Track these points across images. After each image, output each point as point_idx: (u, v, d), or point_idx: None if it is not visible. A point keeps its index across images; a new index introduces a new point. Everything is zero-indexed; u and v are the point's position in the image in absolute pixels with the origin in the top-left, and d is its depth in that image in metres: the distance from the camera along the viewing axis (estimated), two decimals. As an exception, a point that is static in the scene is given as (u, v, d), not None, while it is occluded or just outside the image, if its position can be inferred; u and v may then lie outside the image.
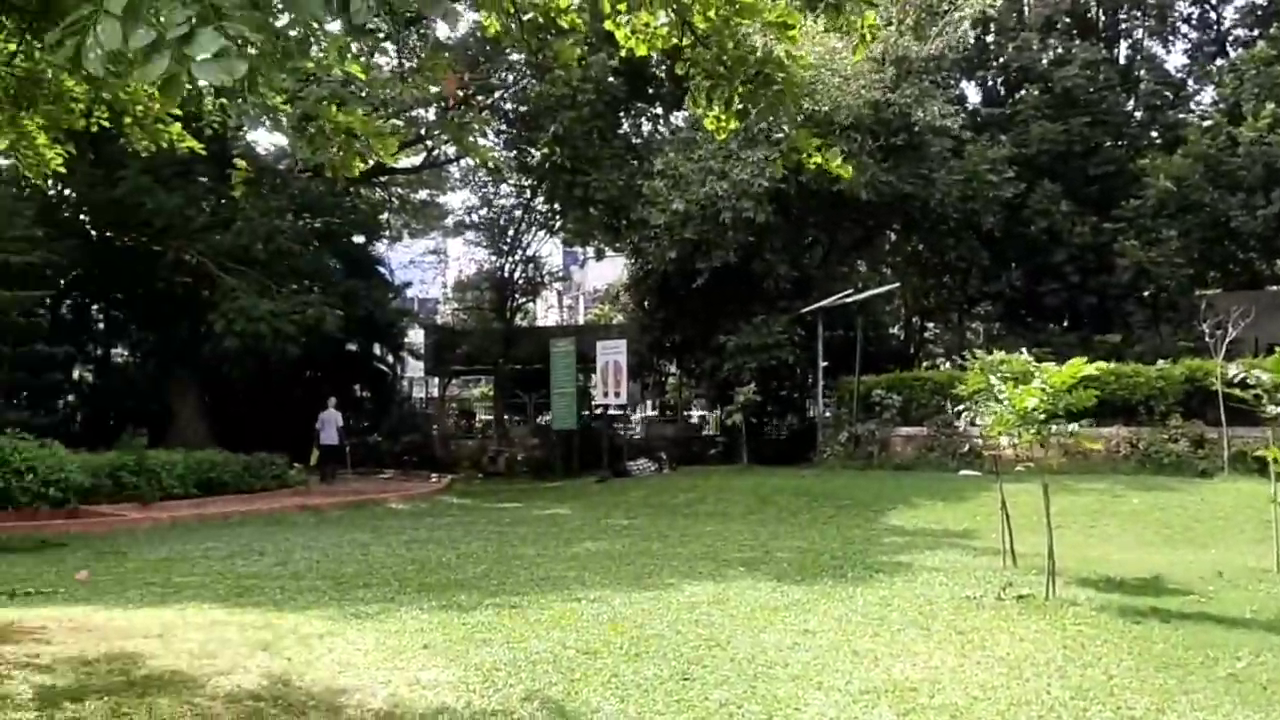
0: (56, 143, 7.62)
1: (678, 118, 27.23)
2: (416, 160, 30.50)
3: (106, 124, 7.14)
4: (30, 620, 6.98)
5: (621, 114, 26.33)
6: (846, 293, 22.56)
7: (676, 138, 24.70)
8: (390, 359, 34.59)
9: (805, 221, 24.91)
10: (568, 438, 26.04)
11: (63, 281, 25.65)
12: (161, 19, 2.30)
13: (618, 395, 24.72)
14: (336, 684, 5.62)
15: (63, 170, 7.68)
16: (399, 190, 34.20)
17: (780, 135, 20.50)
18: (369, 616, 7.60)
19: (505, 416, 31.60)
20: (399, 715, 5.13)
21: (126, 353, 33.70)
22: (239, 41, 2.39)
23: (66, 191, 25.62)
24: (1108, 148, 26.38)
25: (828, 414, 22.91)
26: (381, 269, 34.70)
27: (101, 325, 32.71)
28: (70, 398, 32.59)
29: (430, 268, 44.54)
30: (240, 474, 18.74)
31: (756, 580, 9.42)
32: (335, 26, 4.81)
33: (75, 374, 31.82)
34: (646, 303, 27.70)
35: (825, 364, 22.32)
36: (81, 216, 25.87)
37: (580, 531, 13.83)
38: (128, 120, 7.38)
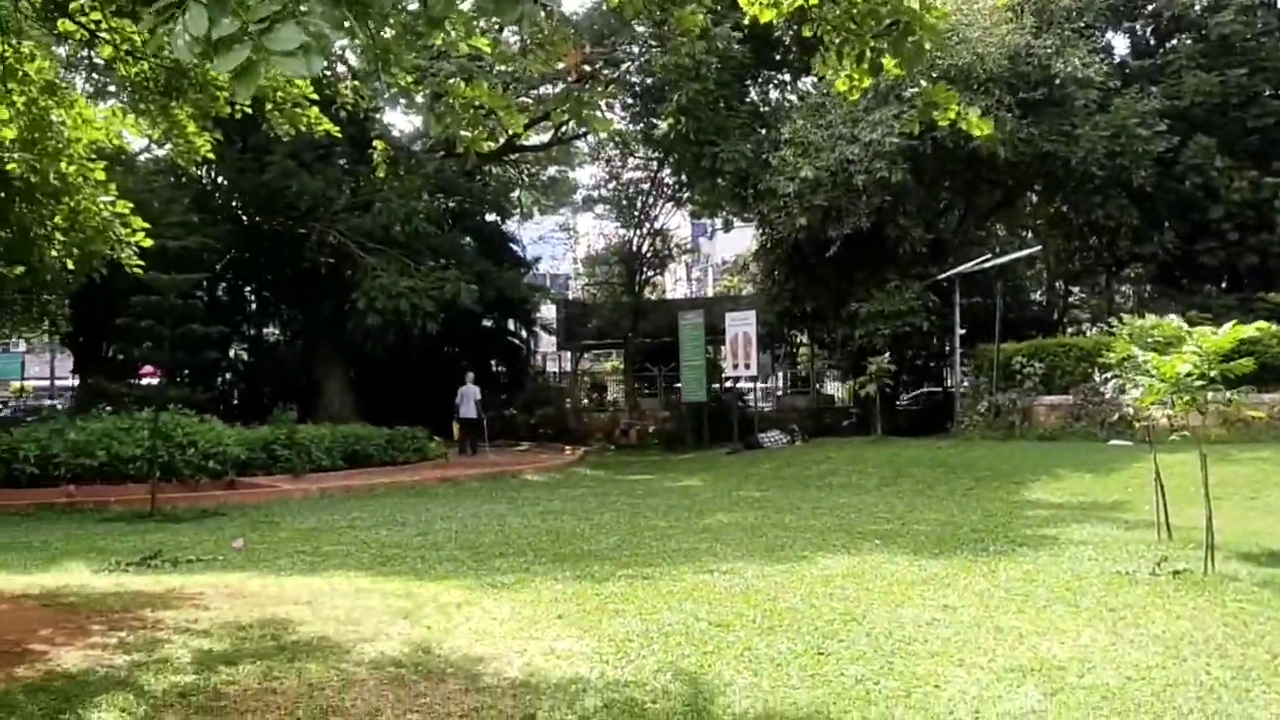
0: (204, 130, 7.95)
1: (805, 83, 26.70)
2: (545, 137, 30.83)
3: (249, 110, 7.40)
4: (190, 587, 7.36)
5: (748, 82, 25.97)
6: (984, 257, 21.78)
7: (805, 104, 24.23)
8: (523, 334, 35.27)
9: (940, 184, 24.13)
10: (698, 410, 26.04)
11: (218, 265, 27.00)
12: (245, 10, 2.33)
13: (748, 367, 24.55)
14: (474, 652, 5.72)
15: (212, 156, 8.02)
16: (529, 167, 34.69)
17: (913, 92, 19.87)
18: (505, 586, 7.73)
19: (636, 389, 31.80)
20: (534, 685, 5.19)
21: (277, 331, 35.35)
22: (319, 38, 2.41)
23: (219, 179, 26.95)
24: (1267, 98, 24.58)
25: (965, 383, 22.22)
26: (513, 246, 35.35)
27: (254, 306, 34.40)
28: (227, 375, 34.47)
29: (560, 243, 45.12)
30: (383, 447, 19.41)
31: (893, 554, 9.19)
32: (466, 4, 4.83)
33: (231, 352, 33.60)
34: (776, 273, 27.38)
35: (962, 331, 21.63)
36: (233, 202, 27.18)
37: (712, 503, 13.80)
38: (268, 106, 7.65)
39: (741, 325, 24.39)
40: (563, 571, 8.48)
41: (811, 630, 6.34)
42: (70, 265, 8.08)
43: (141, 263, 8.34)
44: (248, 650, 5.46)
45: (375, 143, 8.49)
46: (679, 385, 28.06)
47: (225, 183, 26.86)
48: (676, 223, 37.62)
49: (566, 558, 9.26)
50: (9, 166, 7.05)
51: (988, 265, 21.48)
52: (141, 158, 32.03)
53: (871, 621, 6.57)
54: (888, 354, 21.48)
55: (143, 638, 5.59)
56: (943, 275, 21.67)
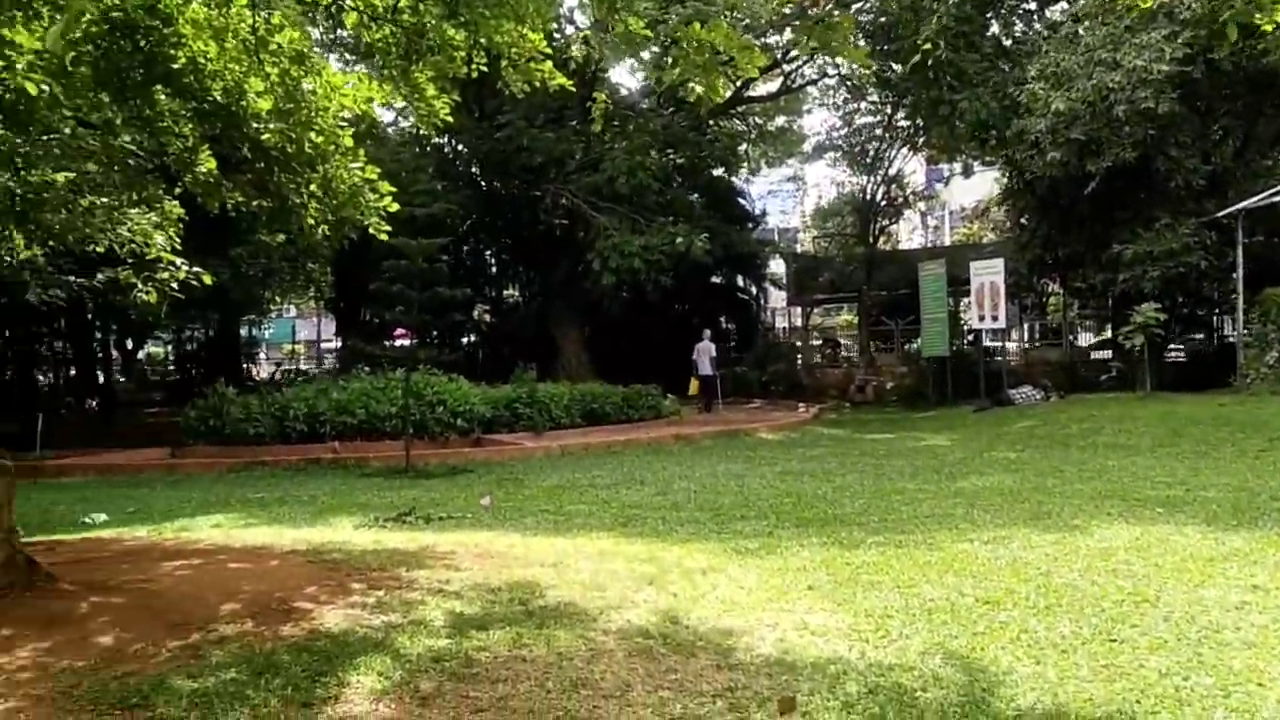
0: (443, 92, 7.97)
1: (1054, 11, 24.57)
2: (773, 86, 30.05)
3: (485, 69, 7.34)
4: (442, 545, 7.49)
5: (989, 15, 24.16)
6: (1274, 190, 19.31)
7: (1055, 36, 22.25)
8: (753, 290, 34.83)
9: (1216, 111, 21.60)
10: (939, 365, 24.80)
11: (460, 230, 28.10)
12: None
13: (995, 318, 23.06)
14: (722, 624, 5.44)
15: (450, 119, 8.04)
16: (756, 119, 33.98)
17: (1186, 16, 17.79)
18: (750, 552, 7.42)
19: (871, 344, 30.72)
20: (789, 663, 4.84)
21: (516, 293, 36.61)
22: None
23: (459, 147, 27.98)
24: None
25: (1249, 332, 19.89)
26: (741, 200, 34.84)
27: (494, 269, 35.71)
28: (472, 336, 36.08)
29: (789, 196, 44.22)
30: (620, 405, 19.59)
31: (1180, 524, 8.20)
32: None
33: (474, 314, 35.10)
34: (1024, 218, 25.53)
35: (1245, 274, 19.35)
36: (472, 169, 28.18)
37: (963, 465, 12.96)
38: (504, 63, 7.56)
39: (988, 274, 22.90)
40: (809, 537, 8.08)
41: (1096, 612, 5.65)
42: (325, 232, 8.33)
43: (389, 228, 8.52)
44: (497, 615, 5.40)
45: (595, 95, 8.25)
46: (918, 339, 26.83)
47: (465, 150, 27.86)
48: (912, 168, 35.93)
49: (811, 522, 8.85)
50: (264, 137, 7.30)
51: (1278, 199, 19.05)
52: (390, 130, 33.80)
53: (1168, 604, 5.79)
54: (1155, 301, 19.51)
55: (398, 598, 5.65)
56: (1223, 213, 19.41)
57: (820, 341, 34.39)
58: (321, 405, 16.69)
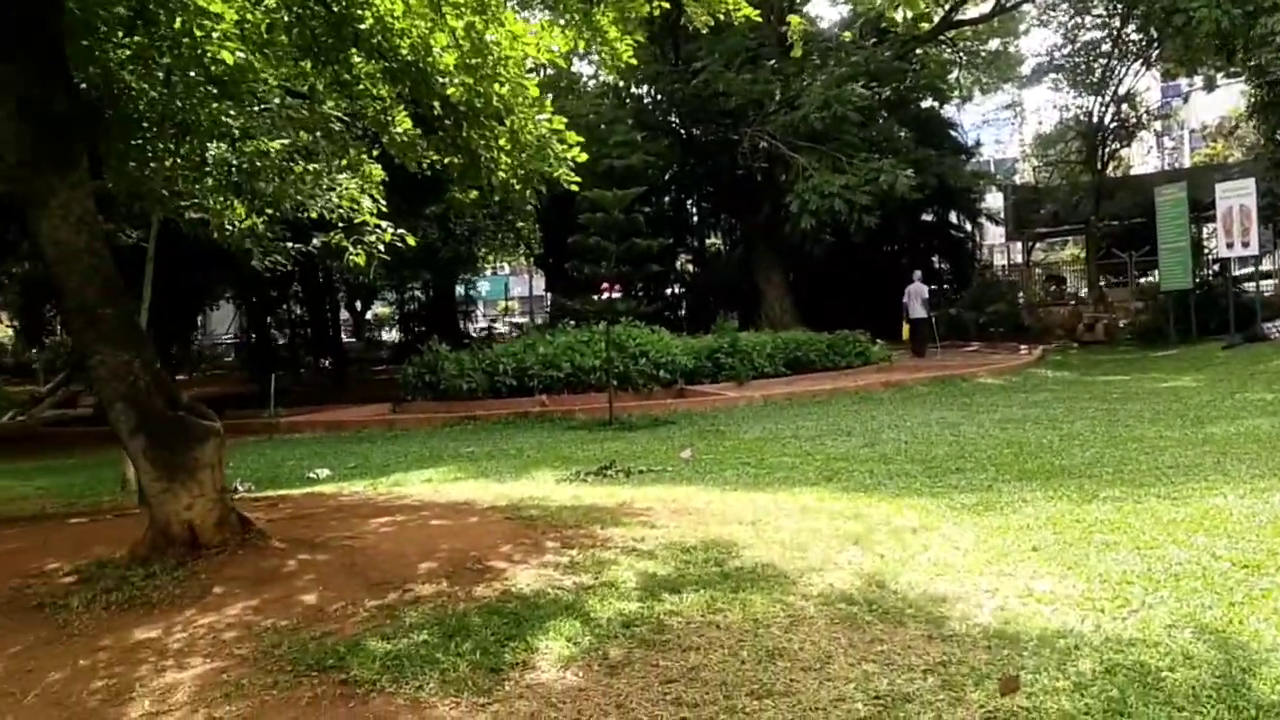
0: (627, 34, 7.71)
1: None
2: (986, 7, 28.07)
3: (666, 4, 7.00)
4: (640, 501, 7.34)
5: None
6: None
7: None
8: (967, 226, 33.05)
9: None
10: (1180, 298, 22.67)
11: (660, 181, 27.99)
12: None
13: (1245, 245, 20.79)
14: (934, 589, 4.99)
15: (634, 61, 7.77)
16: (967, 44, 31.95)
17: None
18: (966, 508, 6.87)
19: (1100, 279, 28.52)
20: (1011, 635, 4.35)
21: (718, 241, 36.32)
22: None
23: (657, 96, 27.77)
24: None
25: None
26: (952, 132, 32.96)
27: (695, 218, 35.52)
28: (675, 287, 36.12)
29: (1005, 124, 41.61)
30: (825, 352, 18.99)
31: None
32: None
33: (677, 264, 35.08)
34: (1278, 133, 22.82)
35: None
36: (670, 117, 27.92)
37: (1210, 409, 11.70)
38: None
39: (1237, 196, 20.62)
40: (1032, 491, 7.42)
41: (1387, 583, 4.83)
42: (515, 186, 8.28)
43: (578, 179, 8.37)
44: (691, 576, 5.17)
45: (790, 19, 7.73)
46: (1154, 271, 24.63)
47: (662, 99, 27.62)
48: (1145, 85, 32.89)
49: (1034, 474, 8.14)
50: (450, 92, 7.26)
51: None
52: (590, 84, 34.01)
53: None
54: None
55: (592, 557, 5.52)
56: None
57: (1043, 278, 32.22)
58: (529, 360, 17.02)
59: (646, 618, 4.54)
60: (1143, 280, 27.20)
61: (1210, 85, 29.09)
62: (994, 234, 35.74)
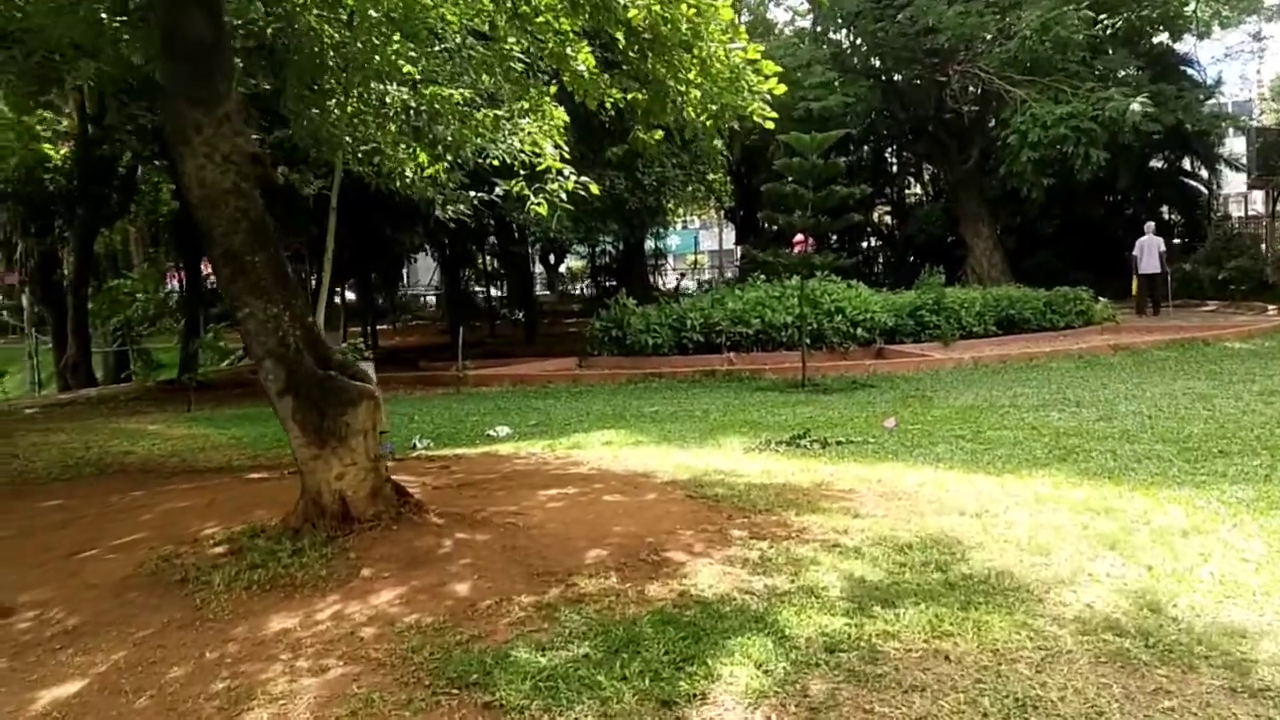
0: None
1: None
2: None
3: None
4: (840, 480, 6.44)
5: None
6: None
7: None
8: (1203, 173, 29.76)
9: None
10: None
11: (858, 127, 26.39)
12: None
13: None
14: (1227, 618, 3.90)
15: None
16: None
17: None
18: (1244, 505, 5.62)
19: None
20: (1352, 696, 3.26)
21: (919, 191, 34.28)
22: None
23: (856, 40, 26.14)
24: None
25: None
26: (1188, 69, 29.59)
27: (894, 167, 33.61)
28: (871, 240, 34.38)
29: (1249, 60, 37.26)
30: (1041, 311, 17.30)
31: None
32: None
33: (875, 216, 33.36)
34: None
35: None
36: (871, 60, 26.21)
37: None
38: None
39: None
40: (1330, 486, 6.06)
41: None
42: (706, 122, 7.43)
43: (774, 114, 7.43)
44: (908, 584, 4.27)
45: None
46: None
47: (861, 42, 25.93)
48: None
49: (1326, 463, 6.72)
50: (632, 15, 6.46)
51: None
52: (785, 31, 32.57)
53: None
54: None
55: (786, 552, 4.70)
56: None
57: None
58: (717, 315, 16.23)
59: (855, 640, 3.68)
60: None
61: None
62: (1234, 182, 32.08)
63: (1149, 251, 20.70)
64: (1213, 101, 28.24)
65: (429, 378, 16.17)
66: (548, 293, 44.85)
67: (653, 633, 3.73)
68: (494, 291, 35.65)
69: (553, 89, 8.93)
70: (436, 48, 8.98)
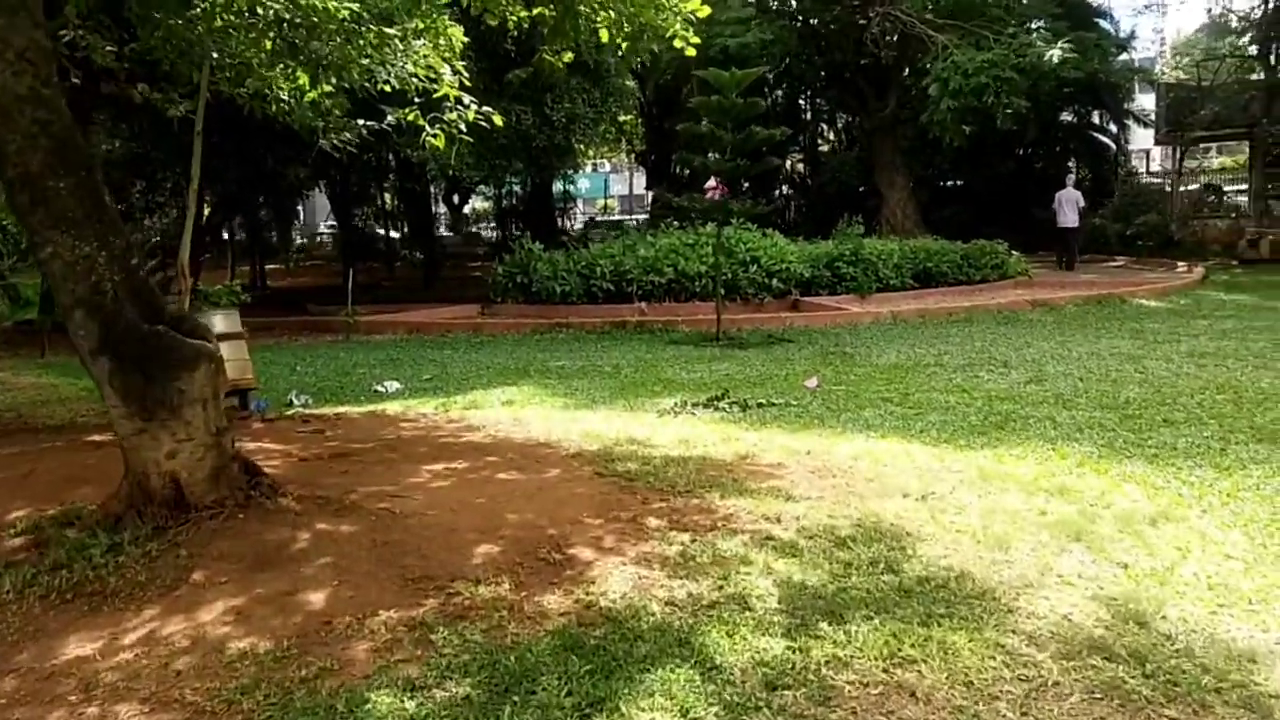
0: None
1: None
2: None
3: None
4: (766, 451, 5.76)
5: None
6: None
7: None
8: (1112, 128, 29.87)
9: None
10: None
11: (774, 71, 25.62)
12: None
13: None
14: (1226, 634, 3.34)
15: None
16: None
17: None
18: (1207, 486, 5.12)
19: (1267, 190, 25.41)
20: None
21: (833, 139, 33.79)
22: None
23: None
24: None
25: None
26: (1101, 21, 29.53)
27: (808, 114, 32.99)
28: (784, 188, 33.77)
29: (1156, 15, 37.58)
30: (958, 264, 16.91)
31: None
32: None
33: (787, 164, 32.77)
34: None
35: None
36: (788, 3, 25.41)
37: None
38: None
39: None
40: (1284, 459, 5.62)
41: None
42: (622, 45, 6.58)
43: (696, 39, 6.61)
44: (856, 590, 3.60)
45: None
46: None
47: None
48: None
49: (1274, 434, 6.30)
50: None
51: None
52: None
53: None
54: None
55: (711, 549, 3.99)
56: None
57: (1199, 188, 28.95)
58: (628, 263, 15.42)
59: (800, 671, 2.99)
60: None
61: None
62: (1141, 138, 32.38)
63: (1067, 205, 20.56)
64: (1125, 56, 28.26)
65: (318, 323, 15.05)
66: (452, 234, 43.38)
67: (552, 663, 2.98)
68: (394, 233, 34.15)
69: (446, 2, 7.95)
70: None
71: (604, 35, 6.71)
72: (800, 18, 25.26)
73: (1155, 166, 37.35)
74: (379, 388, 9.29)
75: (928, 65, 19.72)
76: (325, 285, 24.03)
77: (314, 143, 10.58)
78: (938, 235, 19.21)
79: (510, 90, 15.65)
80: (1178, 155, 29.03)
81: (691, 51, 6.74)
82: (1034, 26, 22.69)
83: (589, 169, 50.71)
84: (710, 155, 12.75)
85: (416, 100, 8.77)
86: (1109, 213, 25.69)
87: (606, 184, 55.01)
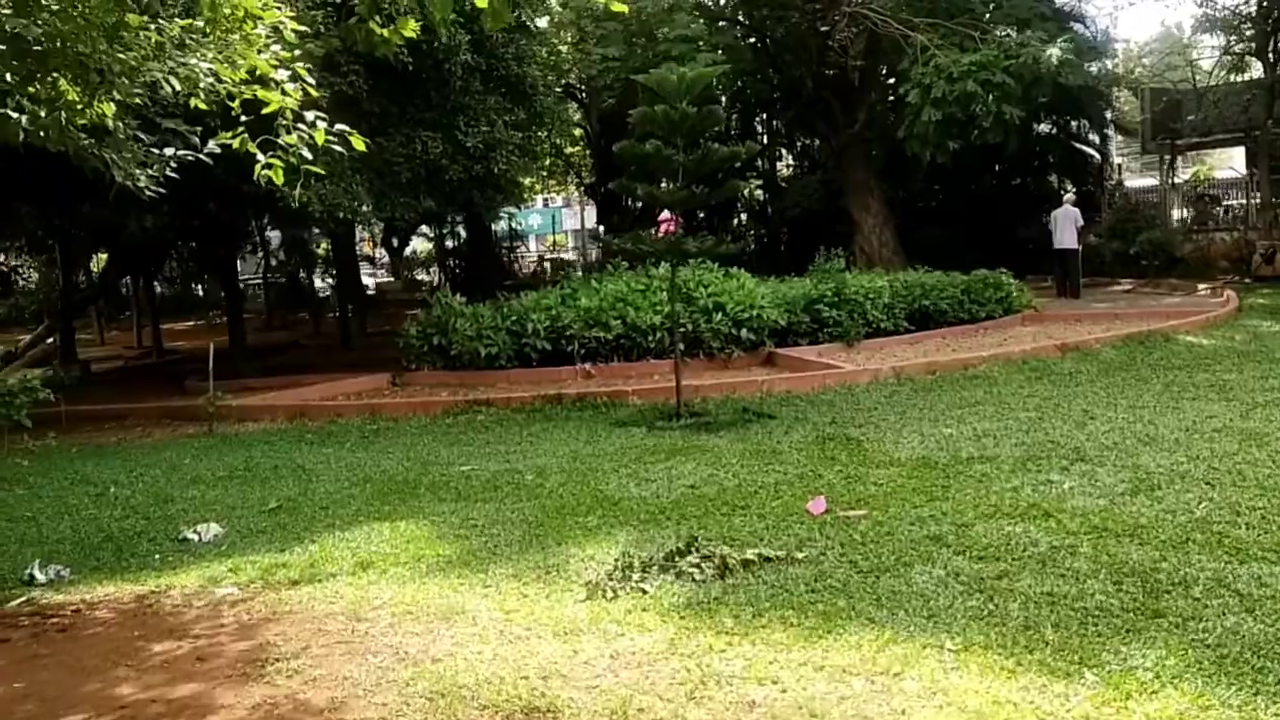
0: None
1: None
2: None
3: None
4: (779, 700, 2.98)
5: None
6: None
7: None
8: (1094, 138, 27.67)
9: None
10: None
11: (725, 92, 23.11)
12: None
13: None
14: None
15: None
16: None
17: None
18: None
19: (1275, 200, 23.19)
20: None
21: (793, 161, 31.32)
22: None
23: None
24: None
25: None
26: (1080, 26, 27.35)
27: (764, 138, 30.44)
28: (742, 217, 31.10)
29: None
30: (958, 300, 14.26)
31: None
32: None
33: (744, 191, 30.14)
34: None
35: None
36: (738, 15, 22.96)
37: None
38: None
39: None
40: None
41: None
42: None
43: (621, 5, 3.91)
44: None
45: None
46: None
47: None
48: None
49: None
50: None
51: None
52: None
53: None
54: None
55: None
56: None
57: (1197, 198, 26.69)
58: (567, 317, 12.65)
59: None
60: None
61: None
62: (1124, 148, 30.29)
63: (1065, 224, 18.12)
64: (1108, 58, 26.17)
65: (183, 409, 12.04)
66: (392, 280, 40.44)
67: None
68: (327, 280, 31.22)
69: None
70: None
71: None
72: (753, 32, 22.79)
73: (1143, 181, 35.15)
74: (191, 534, 6.40)
75: (905, 69, 17.22)
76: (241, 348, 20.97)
77: (108, 182, 7.60)
78: (916, 262, 16.68)
79: (417, 117, 12.87)
80: (1167, 165, 26.84)
81: (621, 7, 4.05)
82: (1015, 30, 20.41)
83: (540, 204, 48.09)
84: (661, 182, 10.06)
85: (244, 119, 5.97)
86: (1104, 230, 23.40)
87: (555, 219, 52.29)
